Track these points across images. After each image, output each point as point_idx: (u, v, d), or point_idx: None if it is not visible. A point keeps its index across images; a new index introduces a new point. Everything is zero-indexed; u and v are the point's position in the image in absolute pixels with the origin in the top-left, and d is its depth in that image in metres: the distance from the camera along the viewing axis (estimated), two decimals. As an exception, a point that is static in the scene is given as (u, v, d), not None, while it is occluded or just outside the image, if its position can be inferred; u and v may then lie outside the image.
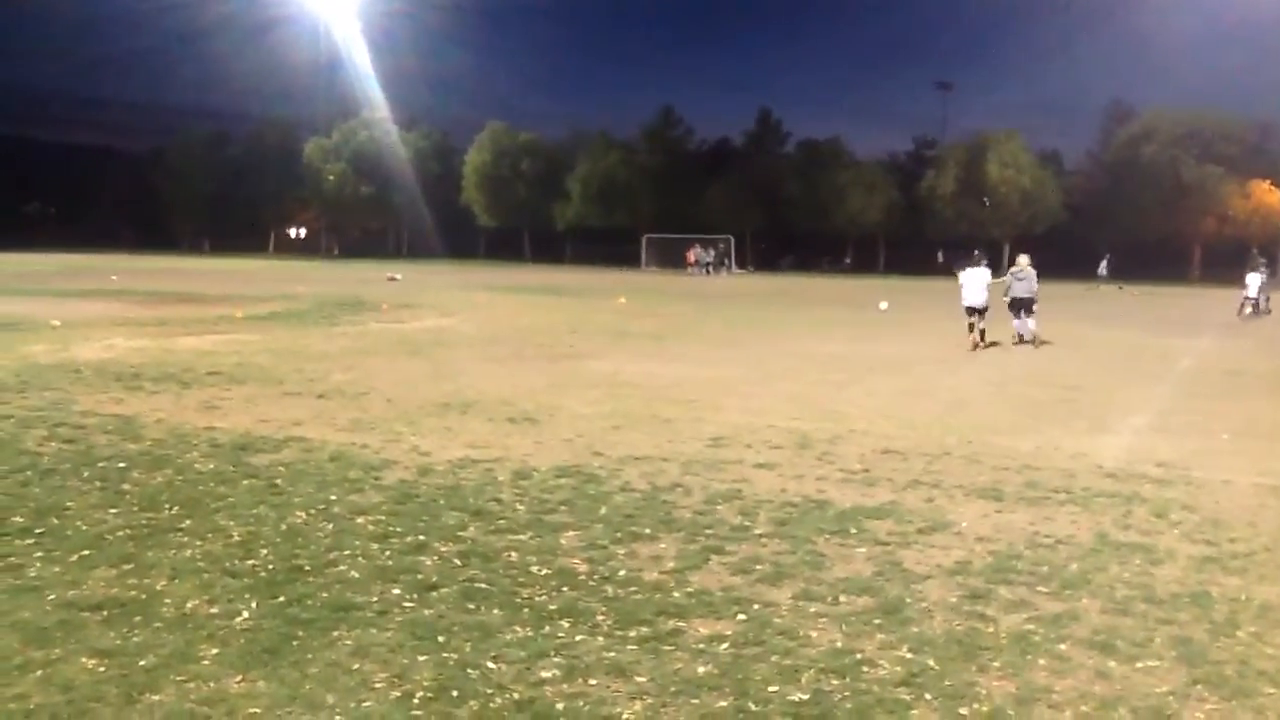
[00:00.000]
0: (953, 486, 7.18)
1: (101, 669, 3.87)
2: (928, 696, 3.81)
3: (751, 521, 6.14)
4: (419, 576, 5.00)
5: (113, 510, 6.04)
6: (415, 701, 3.68)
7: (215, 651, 4.06)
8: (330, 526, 5.84)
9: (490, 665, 4.00)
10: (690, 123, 78.46)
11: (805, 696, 3.79)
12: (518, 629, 4.37)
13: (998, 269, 18.90)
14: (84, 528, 5.68)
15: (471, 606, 4.62)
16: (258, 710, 3.59)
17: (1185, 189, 61.35)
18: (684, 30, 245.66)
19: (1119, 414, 10.69)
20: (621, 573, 5.14)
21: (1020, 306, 17.88)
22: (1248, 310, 28.43)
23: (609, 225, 72.71)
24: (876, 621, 4.55)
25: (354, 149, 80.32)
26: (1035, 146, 68.40)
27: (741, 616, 4.58)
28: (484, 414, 9.72)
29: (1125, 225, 61.20)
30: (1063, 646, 4.32)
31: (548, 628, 4.39)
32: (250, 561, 5.18)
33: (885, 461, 7.97)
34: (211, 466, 7.24)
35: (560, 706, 3.67)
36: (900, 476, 7.45)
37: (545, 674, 3.93)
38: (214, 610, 4.50)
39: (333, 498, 6.47)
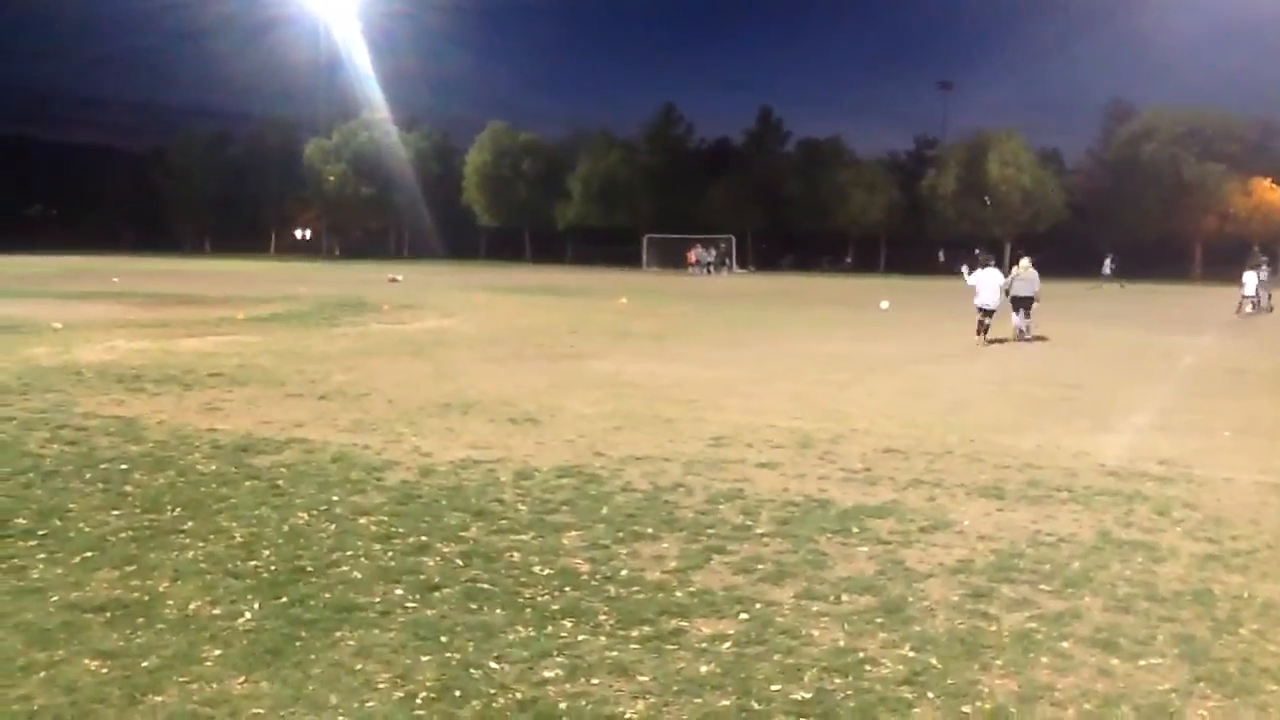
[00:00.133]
0: (954, 485, 7.18)
1: (104, 670, 3.88)
2: (930, 695, 3.81)
3: (753, 521, 6.14)
4: (421, 577, 5.01)
5: (115, 512, 6.04)
6: (418, 702, 3.68)
7: (218, 652, 4.06)
8: (332, 527, 5.84)
9: (493, 665, 4.00)
10: (691, 122, 78.59)
11: (808, 695, 3.79)
12: (520, 629, 4.37)
13: (1000, 269, 19.30)
14: (86, 529, 5.68)
15: (474, 607, 4.62)
16: (261, 711, 3.59)
17: (1186, 187, 61.32)
18: (684, 29, 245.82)
19: (1121, 412, 10.68)
20: (624, 572, 5.14)
21: (1020, 305, 18.75)
22: (1247, 308, 28.41)
23: (610, 225, 72.73)
24: (879, 620, 4.55)
25: (354, 150, 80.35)
26: (1036, 145, 68.48)
27: (744, 616, 4.58)
28: (485, 414, 9.72)
29: (1126, 224, 61.16)
30: (1065, 644, 4.32)
31: (550, 627, 4.39)
32: (253, 562, 5.18)
33: (887, 460, 7.97)
34: (213, 468, 7.25)
35: (563, 706, 3.67)
36: (902, 475, 7.45)
37: (548, 674, 3.94)
38: (217, 611, 4.51)
39: (335, 498, 6.47)
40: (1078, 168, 72.18)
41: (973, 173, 65.32)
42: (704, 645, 4.24)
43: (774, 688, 3.84)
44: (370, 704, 3.66)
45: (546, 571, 5.13)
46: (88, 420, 8.88)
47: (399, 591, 4.80)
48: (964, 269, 19.85)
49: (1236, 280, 29.81)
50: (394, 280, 39.44)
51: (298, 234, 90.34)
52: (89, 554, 5.25)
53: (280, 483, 6.83)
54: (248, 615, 4.46)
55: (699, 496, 6.71)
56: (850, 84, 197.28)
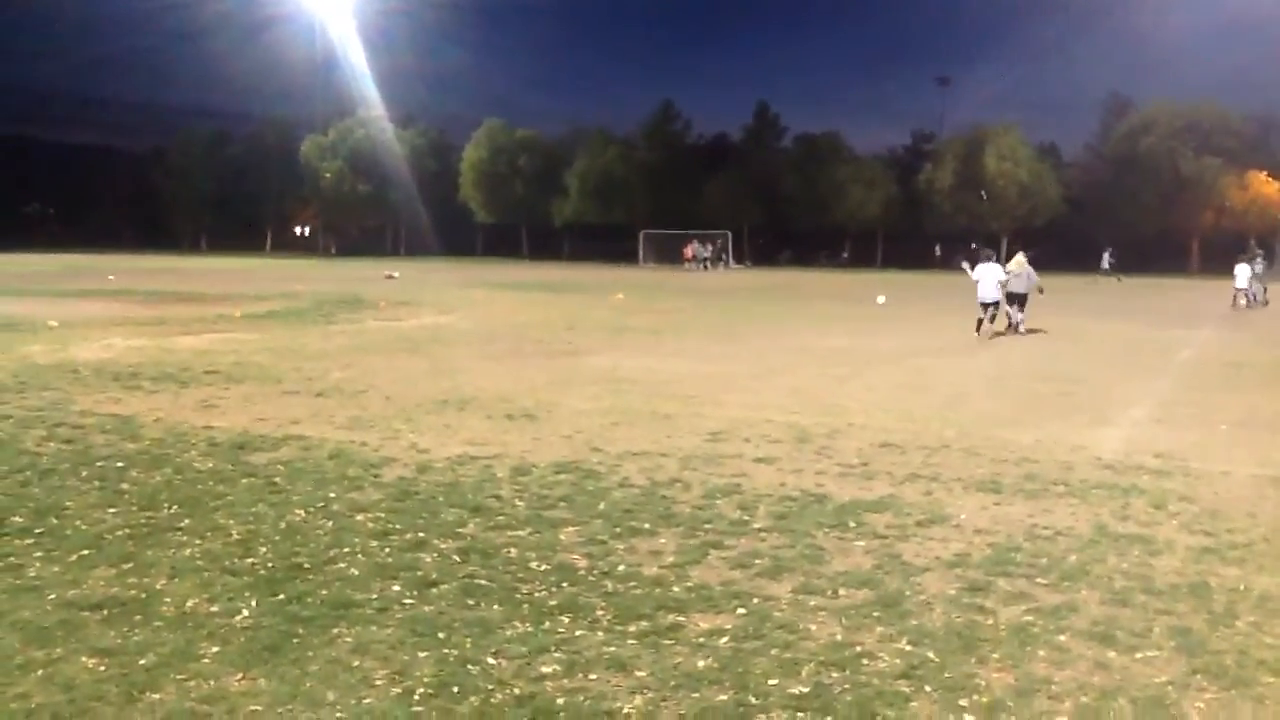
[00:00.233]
0: (952, 479, 7.18)
1: (102, 668, 3.88)
2: (927, 689, 3.82)
3: (751, 516, 6.15)
4: (419, 573, 5.01)
5: (112, 509, 6.04)
6: (416, 698, 3.68)
7: (216, 650, 4.06)
8: (330, 524, 5.84)
9: (490, 661, 4.01)
10: (689, 119, 78.50)
11: (805, 690, 3.79)
12: (518, 625, 4.37)
13: (998, 263, 19.63)
14: (83, 527, 5.68)
15: (471, 603, 4.63)
16: (259, 708, 3.60)
17: (1184, 181, 61.30)
18: (683, 28, 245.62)
19: (1118, 406, 10.69)
20: (621, 568, 5.15)
21: (1015, 299, 19.08)
22: (1241, 302, 28.40)
23: (607, 221, 72.68)
24: (876, 614, 4.56)
25: (350, 147, 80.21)
26: (1033, 140, 68.44)
27: (741, 610, 4.58)
28: (482, 411, 9.72)
29: (1124, 218, 61.13)
30: (1062, 638, 4.33)
31: (548, 623, 4.40)
32: (250, 560, 5.18)
33: (884, 455, 7.97)
34: (210, 465, 7.24)
35: (560, 702, 3.67)
36: (899, 470, 7.46)
37: (545, 669, 3.94)
38: (214, 608, 4.51)
39: (332, 495, 6.47)
40: (1075, 162, 72.15)
41: (970, 167, 65.22)
42: (701, 640, 4.24)
43: (771, 682, 3.85)
44: (368, 700, 3.67)
45: (544, 567, 5.14)
46: (84, 418, 8.88)
47: (396, 588, 4.80)
48: (965, 264, 20.40)
49: (1231, 274, 29.81)
50: (390, 277, 39.43)
51: (297, 230, 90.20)
52: (86, 552, 5.25)
53: (277, 480, 6.83)
54: (245, 612, 4.46)
55: (696, 492, 6.71)
56: (848, 81, 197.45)
